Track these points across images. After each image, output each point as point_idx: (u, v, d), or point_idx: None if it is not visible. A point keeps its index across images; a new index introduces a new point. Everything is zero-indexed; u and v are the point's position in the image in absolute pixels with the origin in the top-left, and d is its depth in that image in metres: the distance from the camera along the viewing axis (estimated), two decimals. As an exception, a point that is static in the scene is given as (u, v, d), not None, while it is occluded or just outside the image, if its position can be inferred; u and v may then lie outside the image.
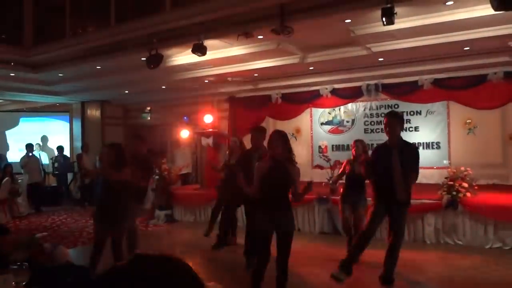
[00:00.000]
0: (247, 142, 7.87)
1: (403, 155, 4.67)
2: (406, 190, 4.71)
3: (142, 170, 6.05)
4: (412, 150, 4.88)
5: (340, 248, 6.24)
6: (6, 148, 13.18)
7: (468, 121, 8.64)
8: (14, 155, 12.61)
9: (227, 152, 7.44)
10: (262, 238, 4.34)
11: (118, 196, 5.04)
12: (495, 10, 4.82)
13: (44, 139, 13.62)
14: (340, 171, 6.39)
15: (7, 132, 13.48)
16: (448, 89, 8.43)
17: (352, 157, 6.13)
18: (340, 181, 6.45)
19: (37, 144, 12.74)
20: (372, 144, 9.53)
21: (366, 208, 6.03)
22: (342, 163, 6.51)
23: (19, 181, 11.02)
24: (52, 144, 13.44)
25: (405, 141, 4.91)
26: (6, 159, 11.98)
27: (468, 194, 6.70)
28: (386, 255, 4.78)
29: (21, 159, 11.40)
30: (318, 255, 6.46)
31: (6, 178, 10.06)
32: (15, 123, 13.68)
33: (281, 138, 4.31)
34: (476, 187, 6.88)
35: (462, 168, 7.02)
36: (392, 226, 4.79)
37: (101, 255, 5.05)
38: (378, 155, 4.91)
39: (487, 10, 5.17)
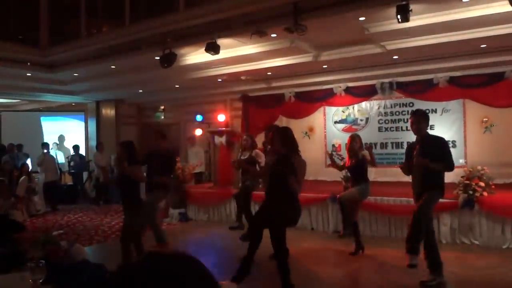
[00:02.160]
0: (260, 140, 7.97)
1: (426, 149, 4.78)
2: (424, 184, 4.81)
3: (164, 166, 6.17)
4: (436, 142, 4.95)
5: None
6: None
7: (484, 119, 8.52)
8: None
9: (241, 150, 7.61)
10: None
11: (127, 192, 5.24)
12: (513, 6, 4.75)
13: (61, 138, 13.80)
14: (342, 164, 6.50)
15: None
16: (464, 87, 8.30)
17: (346, 150, 6.30)
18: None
19: (54, 143, 12.93)
20: (386, 143, 9.53)
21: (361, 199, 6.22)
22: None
23: (36, 179, 11.17)
24: (68, 143, 13.62)
25: (430, 135, 5.07)
26: (23, 158, 12.13)
27: (485, 194, 6.60)
28: None
29: (37, 157, 11.55)
30: (331, 254, 6.43)
31: (23, 177, 10.21)
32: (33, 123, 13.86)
33: (277, 135, 4.59)
34: (493, 186, 6.77)
35: (479, 167, 6.92)
36: None
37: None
38: (406, 152, 5.21)
39: (504, 7, 5.09)
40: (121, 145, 5.57)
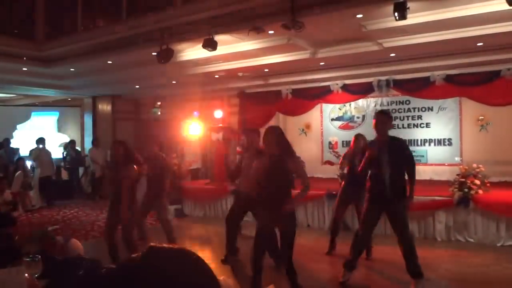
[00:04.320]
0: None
1: (392, 151, 4.65)
2: (397, 187, 4.64)
3: (157, 169, 6.15)
4: (400, 144, 4.87)
5: (349, 245, 6.22)
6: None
7: (480, 117, 8.55)
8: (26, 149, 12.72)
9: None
10: (263, 233, 4.41)
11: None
12: (510, 5, 4.76)
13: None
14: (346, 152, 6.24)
15: (18, 126, 13.56)
16: (461, 85, 8.33)
17: (350, 152, 6.02)
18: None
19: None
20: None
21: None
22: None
23: (31, 174, 11.13)
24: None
25: (392, 137, 4.87)
26: (19, 153, 12.09)
27: (480, 191, 6.64)
28: (403, 255, 4.70)
29: (32, 152, 11.45)
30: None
31: (19, 172, 10.17)
32: (27, 117, 13.78)
33: (271, 135, 4.33)
34: (488, 184, 6.82)
35: (474, 165, 6.95)
36: (395, 226, 4.73)
37: (116, 245, 5.21)
38: (370, 153, 4.76)
39: (501, 5, 5.09)
40: (116, 144, 5.40)
